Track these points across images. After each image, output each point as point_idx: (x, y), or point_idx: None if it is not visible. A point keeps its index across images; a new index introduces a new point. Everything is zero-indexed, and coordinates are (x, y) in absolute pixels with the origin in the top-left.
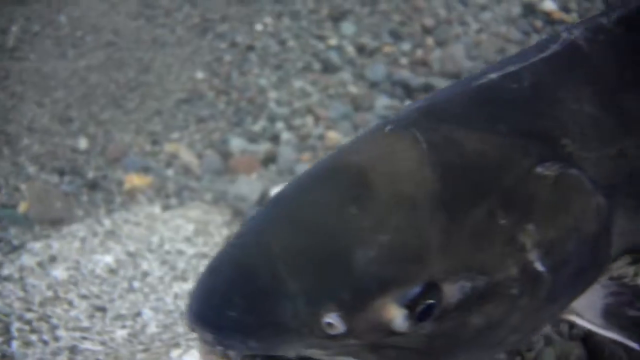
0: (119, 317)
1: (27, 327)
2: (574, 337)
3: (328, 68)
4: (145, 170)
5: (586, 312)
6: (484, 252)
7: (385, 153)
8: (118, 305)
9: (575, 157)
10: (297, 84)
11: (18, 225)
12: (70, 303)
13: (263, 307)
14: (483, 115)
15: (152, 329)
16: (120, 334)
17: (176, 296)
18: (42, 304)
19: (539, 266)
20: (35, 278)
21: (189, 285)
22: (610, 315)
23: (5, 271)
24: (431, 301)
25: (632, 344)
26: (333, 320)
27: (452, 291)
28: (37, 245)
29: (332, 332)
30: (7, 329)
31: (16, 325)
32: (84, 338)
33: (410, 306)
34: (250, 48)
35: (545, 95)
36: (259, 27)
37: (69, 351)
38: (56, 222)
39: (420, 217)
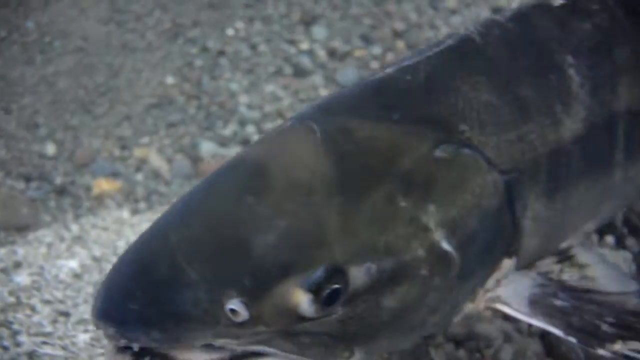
0: (81, 321)
1: None
2: (532, 334)
3: (299, 72)
4: (115, 175)
5: (513, 300)
6: (387, 234)
7: (282, 145)
8: (82, 310)
9: (474, 142)
10: (269, 88)
11: None
12: (32, 308)
13: (163, 298)
14: (377, 106)
15: None
16: (83, 338)
17: None
18: (3, 310)
19: (446, 245)
20: None
21: None
22: (536, 305)
23: None
24: (337, 285)
25: (557, 332)
26: (236, 306)
27: (358, 274)
28: (1, 252)
29: (238, 319)
30: None
31: None
32: (45, 343)
33: (314, 291)
34: (222, 53)
35: (440, 84)
36: (230, 32)
37: (27, 356)
38: (22, 229)
39: (316, 202)
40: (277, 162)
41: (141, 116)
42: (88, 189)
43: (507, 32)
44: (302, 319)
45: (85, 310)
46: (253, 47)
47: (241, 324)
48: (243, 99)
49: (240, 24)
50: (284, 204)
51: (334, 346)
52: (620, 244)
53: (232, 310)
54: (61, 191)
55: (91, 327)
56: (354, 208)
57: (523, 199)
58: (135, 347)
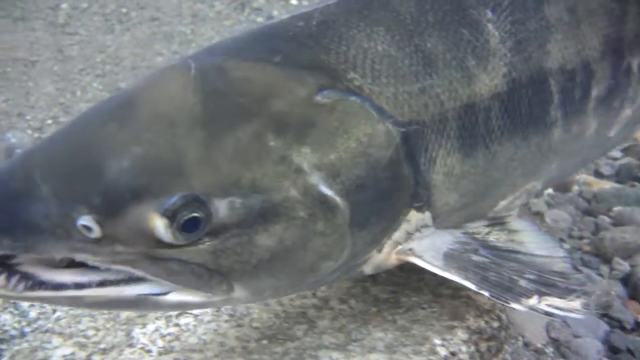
0: None
1: None
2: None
3: None
4: None
5: (427, 253)
6: (253, 171)
7: (158, 80)
8: None
9: (365, 91)
10: None
11: None
12: None
13: (14, 208)
14: (261, 49)
15: None
16: None
17: None
18: None
19: (325, 189)
20: None
21: None
22: (452, 259)
23: None
24: (195, 214)
25: (469, 284)
26: (87, 222)
27: (222, 207)
28: None
29: (91, 235)
30: None
31: None
32: None
33: (170, 216)
34: None
35: (332, 33)
36: (293, 1)
37: None
38: None
39: (177, 134)
40: (147, 95)
41: None
42: None
43: None
44: (162, 243)
45: None
46: None
47: (97, 241)
48: None
49: None
50: (143, 133)
51: (208, 278)
52: None
53: (84, 227)
54: None
55: None
56: (216, 142)
57: (428, 152)
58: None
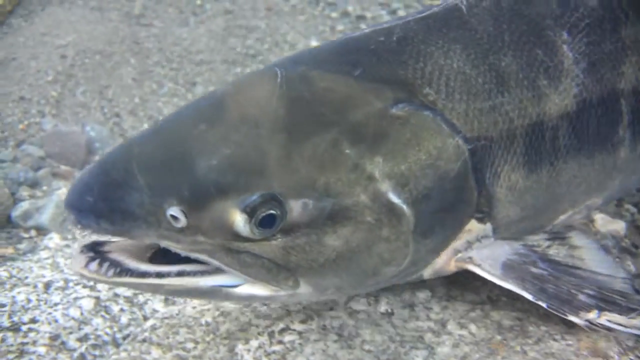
0: None
1: None
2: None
3: None
4: None
5: (485, 262)
6: (327, 176)
7: (246, 85)
8: None
9: (439, 106)
10: None
11: None
12: None
13: (114, 195)
14: (343, 61)
15: None
16: None
17: None
18: None
19: (393, 197)
20: None
21: None
22: (510, 269)
23: None
24: (272, 212)
25: (527, 295)
26: (175, 213)
27: (296, 207)
28: None
29: (177, 224)
30: None
31: None
32: None
33: (249, 212)
34: (361, 17)
35: (411, 48)
36: None
37: None
38: None
39: (262, 136)
40: (236, 98)
41: None
42: None
43: (498, 5)
44: (240, 237)
45: None
46: (393, 12)
47: (181, 230)
48: None
49: None
50: (231, 134)
51: (276, 272)
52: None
53: (173, 217)
54: None
55: None
56: (296, 147)
57: (494, 167)
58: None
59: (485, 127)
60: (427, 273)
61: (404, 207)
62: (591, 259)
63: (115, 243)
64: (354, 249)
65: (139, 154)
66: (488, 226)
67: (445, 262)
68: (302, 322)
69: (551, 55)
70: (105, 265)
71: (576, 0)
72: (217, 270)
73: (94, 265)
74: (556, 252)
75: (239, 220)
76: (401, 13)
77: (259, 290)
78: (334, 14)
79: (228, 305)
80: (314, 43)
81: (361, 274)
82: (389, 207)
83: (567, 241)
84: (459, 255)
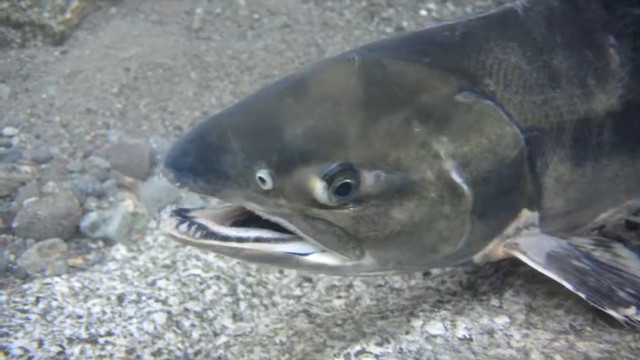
0: (332, 287)
1: (249, 291)
2: None
3: None
4: None
5: (531, 250)
6: (399, 151)
7: (326, 68)
8: (328, 278)
9: (497, 97)
10: None
11: None
12: (281, 271)
13: (210, 157)
14: (412, 50)
15: (367, 301)
16: (338, 303)
17: None
18: (258, 270)
19: (456, 176)
20: None
21: None
22: (554, 260)
23: None
24: (348, 180)
25: (568, 285)
26: (264, 175)
27: (369, 177)
28: None
29: (264, 186)
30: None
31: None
32: (309, 304)
33: (328, 180)
34: None
35: (473, 43)
36: (423, 12)
37: (305, 313)
38: None
39: (342, 112)
40: (318, 78)
41: None
42: None
43: (551, 9)
44: (317, 203)
45: (334, 278)
46: None
47: (266, 192)
48: None
49: (432, 4)
50: (315, 108)
51: (346, 240)
52: None
53: (261, 179)
54: None
55: (343, 293)
56: (374, 123)
57: (544, 158)
58: (181, 216)
59: (537, 119)
60: (477, 258)
61: (465, 186)
62: (634, 267)
63: (200, 211)
64: (417, 223)
65: (231, 122)
66: (536, 215)
67: (495, 247)
68: (379, 344)
69: (599, 57)
70: (193, 227)
71: (623, 8)
72: (290, 239)
73: (184, 226)
74: (600, 255)
75: (318, 187)
76: None
77: (327, 259)
78: (388, 29)
79: (301, 325)
80: None
81: (420, 249)
82: (451, 185)
83: (612, 250)
84: (507, 241)
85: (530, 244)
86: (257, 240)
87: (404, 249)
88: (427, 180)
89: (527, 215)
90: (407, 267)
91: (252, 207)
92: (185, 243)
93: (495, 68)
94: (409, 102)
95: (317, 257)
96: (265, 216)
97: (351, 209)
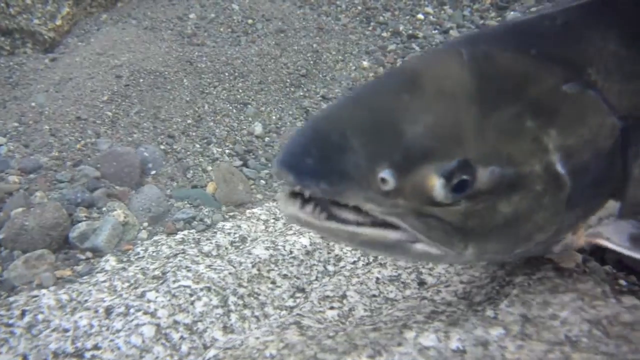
0: (325, 298)
1: (240, 302)
2: None
3: None
4: None
5: (614, 236)
6: (512, 146)
7: (435, 61)
8: (316, 286)
9: (598, 85)
10: None
11: (209, 205)
12: (273, 282)
13: (332, 158)
14: (517, 42)
15: (361, 312)
16: (331, 314)
17: (378, 281)
18: (249, 281)
19: (560, 168)
20: (237, 256)
21: (388, 271)
22: (637, 240)
23: (205, 248)
24: (465, 177)
25: None
26: (386, 175)
27: (484, 173)
28: (227, 225)
29: (385, 187)
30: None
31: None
32: (301, 315)
33: (447, 177)
34: (413, 37)
35: (574, 32)
36: (420, 15)
37: (296, 325)
38: (239, 205)
39: (458, 107)
40: (430, 72)
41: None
42: None
43: None
44: (432, 201)
45: (327, 289)
46: (445, 32)
47: (387, 193)
48: None
49: (429, 9)
50: (432, 104)
51: (453, 235)
52: None
53: (383, 179)
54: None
55: (336, 303)
56: (488, 118)
57: (635, 147)
58: (305, 193)
59: (632, 108)
60: (558, 247)
61: (567, 177)
62: None
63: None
64: (519, 215)
65: (349, 119)
66: (617, 204)
67: (578, 236)
68: (371, 357)
69: None
70: (318, 209)
71: None
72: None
73: (309, 208)
74: None
75: (437, 185)
76: (454, 33)
77: (432, 249)
78: (385, 34)
79: (292, 337)
80: (365, 62)
81: (517, 239)
82: (555, 177)
83: None
84: (590, 230)
85: (611, 231)
86: (372, 224)
87: (503, 240)
88: (536, 174)
89: (611, 205)
90: (501, 256)
91: (370, 208)
92: (308, 226)
93: (596, 57)
94: (519, 96)
95: (422, 247)
96: (381, 217)
97: (463, 205)
